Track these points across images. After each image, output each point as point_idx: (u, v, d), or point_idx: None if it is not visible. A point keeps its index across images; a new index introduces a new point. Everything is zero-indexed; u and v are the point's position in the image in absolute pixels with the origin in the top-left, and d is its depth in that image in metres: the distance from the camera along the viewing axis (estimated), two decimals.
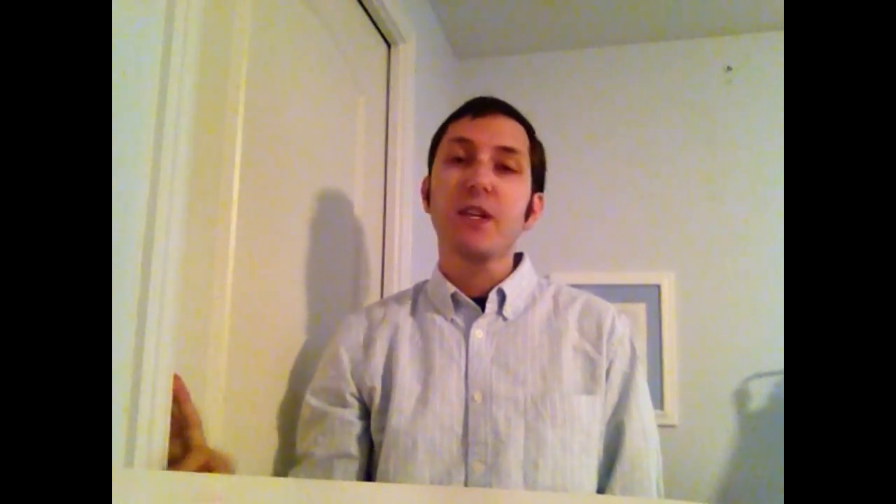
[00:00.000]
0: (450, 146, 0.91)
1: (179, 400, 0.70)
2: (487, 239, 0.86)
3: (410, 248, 1.51)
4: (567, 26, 2.03)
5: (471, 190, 0.85)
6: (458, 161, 0.89)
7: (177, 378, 0.70)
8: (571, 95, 2.15)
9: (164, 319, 0.66)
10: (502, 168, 0.88)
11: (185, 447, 0.70)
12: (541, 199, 0.97)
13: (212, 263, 0.83)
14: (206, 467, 0.69)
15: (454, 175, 0.88)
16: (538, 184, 0.96)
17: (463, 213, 0.86)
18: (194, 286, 0.78)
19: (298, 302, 1.06)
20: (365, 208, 1.34)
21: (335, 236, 1.21)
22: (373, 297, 1.38)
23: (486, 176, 0.86)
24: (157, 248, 0.65)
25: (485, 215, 0.86)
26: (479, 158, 0.87)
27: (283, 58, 1.03)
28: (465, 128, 0.90)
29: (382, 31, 1.48)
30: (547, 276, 1.99)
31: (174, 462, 0.68)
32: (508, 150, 0.88)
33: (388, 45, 1.55)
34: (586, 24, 2.01)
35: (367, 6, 1.38)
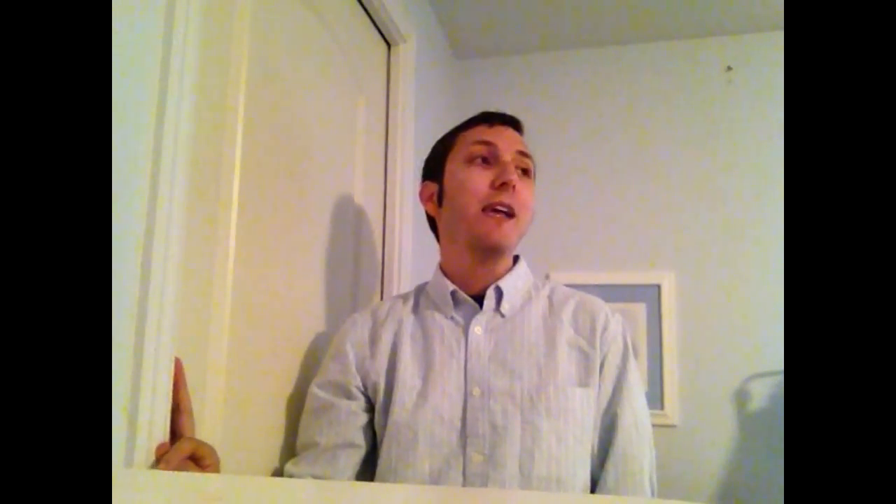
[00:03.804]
0: (471, 147, 0.95)
1: (175, 385, 0.69)
2: (508, 236, 0.91)
3: (410, 247, 1.51)
4: (567, 26, 2.03)
5: (501, 187, 0.90)
6: (482, 161, 0.93)
7: (178, 362, 0.70)
8: (571, 95, 2.14)
9: (164, 319, 0.66)
10: (521, 171, 0.94)
11: (172, 432, 0.69)
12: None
13: (212, 263, 0.83)
14: (194, 456, 0.69)
15: (480, 174, 0.92)
16: None
17: (492, 209, 0.90)
18: (194, 286, 0.78)
19: (298, 302, 1.06)
20: (365, 208, 1.34)
21: (335, 236, 1.21)
22: (373, 296, 1.38)
23: (515, 174, 0.91)
24: (157, 248, 0.65)
25: (509, 213, 0.91)
26: (503, 159, 0.92)
27: (283, 58, 1.03)
28: (485, 133, 0.95)
29: (382, 31, 1.48)
30: (547, 276, 1.99)
31: (161, 447, 0.67)
32: (526, 156, 0.95)
33: (388, 45, 1.55)
34: (586, 24, 2.01)
35: (367, 6, 1.38)
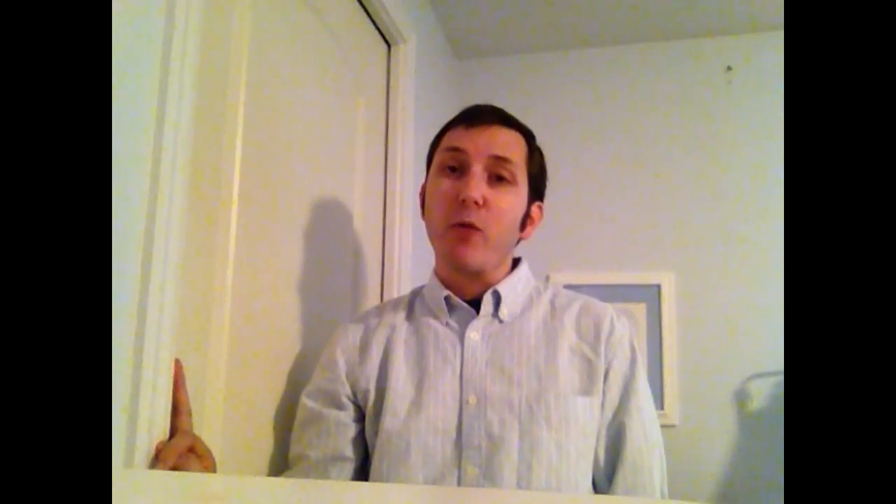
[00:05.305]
0: (443, 155, 0.90)
1: (174, 385, 0.69)
2: (477, 252, 0.85)
3: (410, 248, 1.51)
4: (567, 26, 2.03)
5: (462, 203, 0.84)
6: (451, 171, 0.88)
7: (177, 363, 0.70)
8: (571, 95, 2.14)
9: (164, 319, 0.66)
10: (496, 178, 0.86)
11: (172, 433, 0.69)
12: (540, 208, 0.96)
13: (212, 263, 0.83)
14: (192, 450, 0.69)
15: (446, 186, 0.87)
16: (537, 192, 0.94)
17: (453, 226, 0.85)
18: (194, 286, 0.78)
19: (298, 302, 1.06)
20: (364, 209, 1.34)
21: (335, 237, 1.21)
22: (372, 298, 1.38)
23: (478, 188, 0.84)
24: (157, 248, 0.65)
25: (474, 227, 0.84)
26: (471, 169, 0.85)
27: (283, 58, 1.03)
28: (459, 137, 0.89)
29: (382, 31, 1.48)
30: (547, 277, 1.99)
31: (160, 444, 0.67)
32: (502, 160, 0.86)
33: (388, 45, 1.55)
34: (586, 24, 2.01)
35: (367, 6, 1.38)
